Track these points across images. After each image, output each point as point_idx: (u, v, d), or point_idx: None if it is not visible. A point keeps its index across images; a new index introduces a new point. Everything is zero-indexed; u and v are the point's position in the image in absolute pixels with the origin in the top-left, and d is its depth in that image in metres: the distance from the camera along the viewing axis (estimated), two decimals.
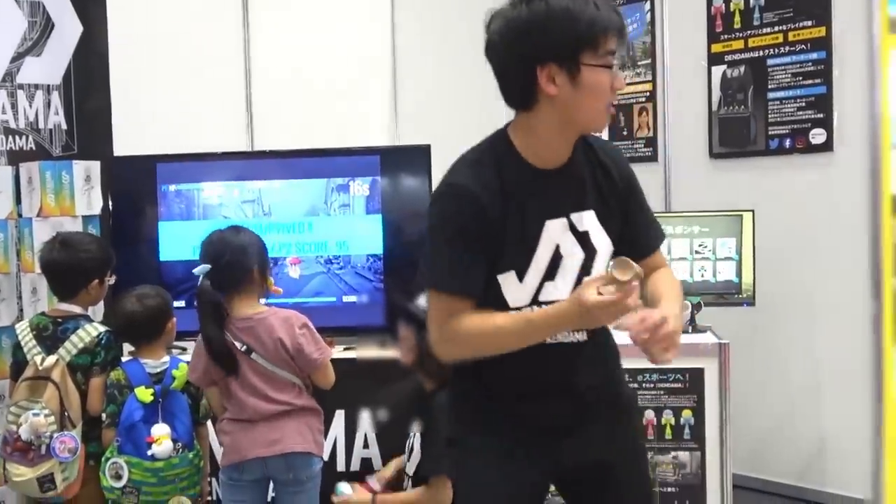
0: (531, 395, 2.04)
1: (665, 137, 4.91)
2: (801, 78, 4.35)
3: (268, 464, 2.98)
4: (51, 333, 3.25)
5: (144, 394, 3.02)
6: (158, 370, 3.10)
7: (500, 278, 1.96)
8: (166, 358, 3.14)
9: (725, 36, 4.62)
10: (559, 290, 1.97)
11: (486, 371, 2.03)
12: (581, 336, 2.02)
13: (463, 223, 1.92)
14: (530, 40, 1.86)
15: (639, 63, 4.99)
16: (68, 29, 4.79)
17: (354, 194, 4.11)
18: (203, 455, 3.18)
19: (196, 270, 2.99)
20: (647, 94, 4.97)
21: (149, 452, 2.94)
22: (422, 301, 2.89)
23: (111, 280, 3.42)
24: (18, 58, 4.59)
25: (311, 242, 4.11)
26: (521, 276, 1.96)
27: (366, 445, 3.88)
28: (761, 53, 4.48)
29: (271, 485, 3.18)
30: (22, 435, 3.01)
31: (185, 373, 3.09)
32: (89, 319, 3.32)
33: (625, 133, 5.04)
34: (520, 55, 1.88)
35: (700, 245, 4.10)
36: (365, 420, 3.89)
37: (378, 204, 4.10)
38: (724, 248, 4.08)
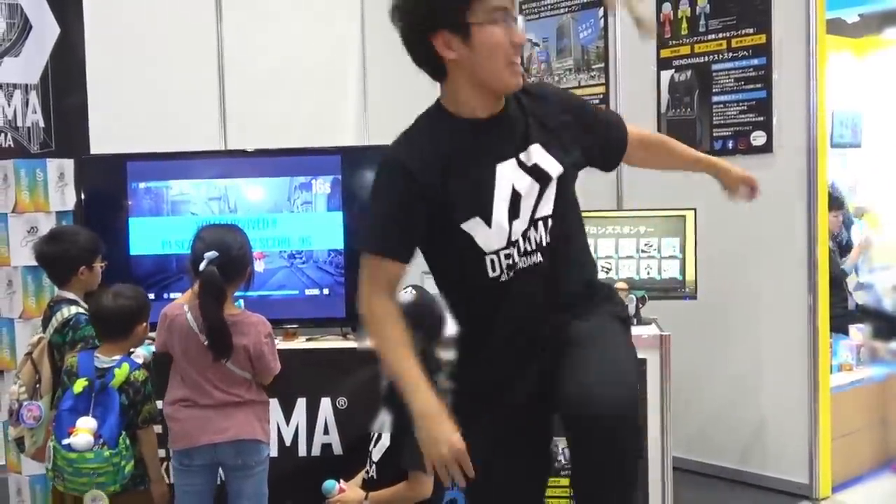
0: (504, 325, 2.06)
1: None
2: (743, 83, 4.38)
3: (217, 450, 3.00)
4: (45, 315, 3.39)
5: (78, 384, 2.98)
6: (106, 366, 3.03)
7: (466, 227, 1.98)
8: (117, 356, 3.07)
9: (673, 42, 4.64)
10: (523, 222, 2.00)
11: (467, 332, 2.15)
12: (537, 258, 2.02)
13: (392, 191, 1.97)
14: (418, 11, 1.93)
15: (593, 66, 5.00)
16: (46, 30, 4.77)
17: (317, 192, 4.12)
18: (143, 457, 3.08)
19: (207, 255, 2.95)
20: (601, 96, 4.98)
21: (64, 441, 2.88)
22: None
23: (102, 265, 3.44)
24: None
25: (275, 238, 4.12)
26: (487, 221, 1.98)
27: (326, 432, 3.89)
28: (706, 59, 4.51)
29: (220, 470, 3.21)
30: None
31: (126, 372, 3.01)
32: (75, 303, 3.34)
33: None
34: (413, 27, 1.95)
35: (646, 244, 4.14)
36: (325, 407, 3.90)
37: (339, 201, 4.12)
38: (669, 247, 4.12)
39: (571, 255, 2.10)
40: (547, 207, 2.02)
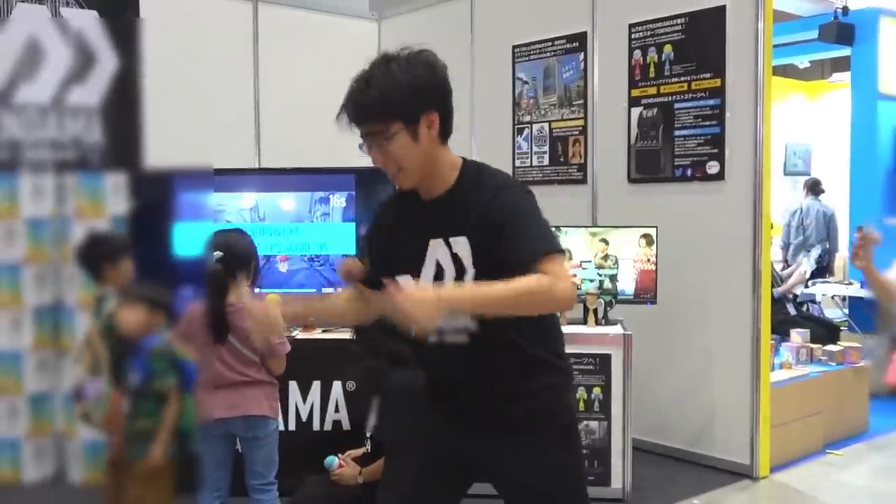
0: (437, 387, 2.09)
1: (593, 164, 4.94)
2: (700, 119, 4.41)
3: (230, 423, 3.03)
4: (94, 307, 3.38)
5: None
6: None
7: (399, 279, 1.92)
8: None
9: (642, 83, 4.66)
10: None
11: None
12: (462, 338, 1.95)
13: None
14: None
15: (574, 102, 5.04)
16: (107, 61, 4.84)
17: (334, 205, 4.19)
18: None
19: (214, 254, 3.01)
20: (580, 128, 5.01)
21: None
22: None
23: (126, 265, 3.48)
24: (66, 83, 4.64)
25: (297, 243, 4.19)
26: (416, 279, 1.96)
27: (336, 410, 3.96)
28: (670, 98, 4.53)
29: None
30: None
31: None
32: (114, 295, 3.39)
33: (561, 160, 5.10)
34: None
35: (615, 255, 4.20)
36: (336, 389, 3.97)
37: (353, 214, 4.19)
38: (634, 258, 4.18)
39: (497, 349, 1.96)
40: None
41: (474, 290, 1.82)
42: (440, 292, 1.72)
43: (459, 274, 1.93)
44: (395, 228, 2.04)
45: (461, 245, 1.93)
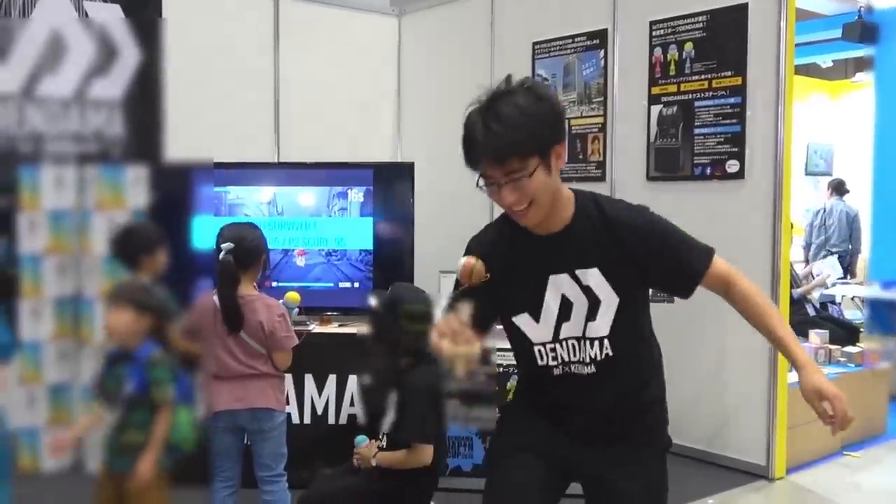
0: (550, 409, 2.07)
1: (612, 162, 4.92)
2: (720, 118, 4.37)
3: (236, 415, 3.03)
4: None
5: None
6: None
7: (516, 320, 1.97)
8: None
9: (662, 81, 4.63)
10: (573, 329, 1.94)
11: (525, 383, 2.14)
12: (590, 369, 1.97)
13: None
14: None
15: (593, 100, 5.02)
16: (130, 55, 4.87)
17: (351, 200, 4.20)
18: None
19: (223, 246, 3.02)
20: (599, 125, 4.99)
21: None
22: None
23: (162, 256, 3.51)
24: (88, 77, 4.68)
25: (315, 238, 4.20)
26: (536, 318, 1.95)
27: (352, 404, 3.96)
28: (690, 96, 4.50)
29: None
30: None
31: None
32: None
33: (580, 157, 5.08)
34: None
35: None
36: (352, 383, 3.97)
37: (370, 208, 4.19)
38: None
39: (625, 373, 1.98)
40: (602, 328, 1.92)
41: (802, 350, 1.91)
42: (824, 377, 1.85)
43: (593, 305, 1.91)
44: (508, 267, 1.93)
45: (593, 276, 1.90)
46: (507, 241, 1.95)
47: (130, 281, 3.01)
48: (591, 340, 1.94)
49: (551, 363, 1.98)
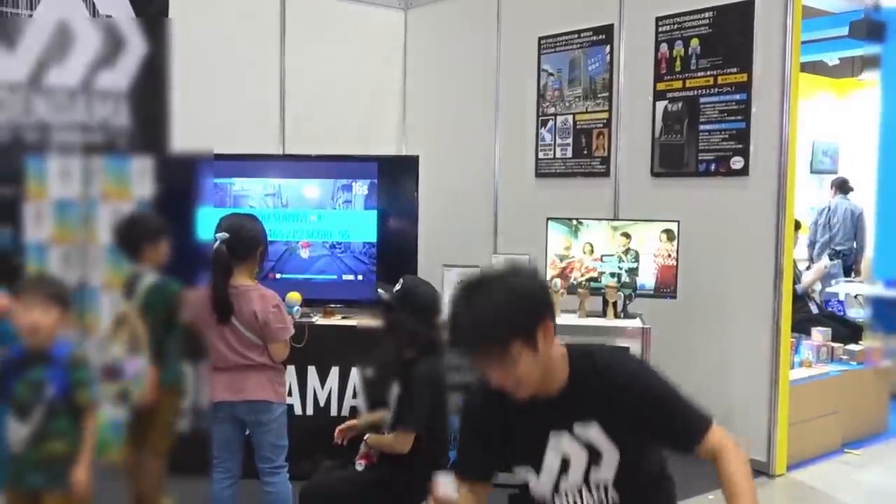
0: None
1: (616, 157, 4.92)
2: (726, 114, 4.37)
3: (235, 407, 3.03)
4: (128, 286, 3.39)
5: None
6: None
7: (518, 470, 1.99)
8: None
9: (668, 77, 4.63)
10: (573, 480, 1.94)
11: None
12: None
13: None
14: None
15: (599, 95, 5.02)
16: (136, 46, 4.87)
17: (356, 193, 4.20)
18: None
19: (218, 236, 3.01)
20: (604, 121, 4.98)
21: None
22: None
23: (164, 246, 3.51)
24: (95, 68, 4.67)
25: (319, 230, 4.21)
26: (537, 472, 1.96)
27: (354, 396, 3.97)
28: (695, 93, 4.49)
29: None
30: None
31: None
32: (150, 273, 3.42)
33: (585, 152, 5.07)
34: None
35: (636, 249, 4.18)
36: (354, 375, 3.98)
37: (374, 202, 4.20)
38: (655, 252, 4.16)
39: None
40: (607, 475, 1.92)
41: None
42: None
43: (594, 458, 1.91)
44: (505, 427, 1.95)
45: (593, 431, 1.90)
46: (505, 403, 1.91)
47: (44, 274, 2.80)
48: (597, 486, 1.94)
49: None
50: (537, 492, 1.98)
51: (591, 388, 1.89)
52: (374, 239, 4.17)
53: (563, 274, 4.24)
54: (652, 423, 1.87)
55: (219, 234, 3.02)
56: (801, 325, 5.23)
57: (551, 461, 1.94)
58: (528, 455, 1.95)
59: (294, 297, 3.88)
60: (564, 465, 1.93)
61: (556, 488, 1.96)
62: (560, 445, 1.92)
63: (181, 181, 4.26)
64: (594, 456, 1.91)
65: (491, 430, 1.97)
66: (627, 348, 3.91)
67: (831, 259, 7.95)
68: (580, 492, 1.95)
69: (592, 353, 1.94)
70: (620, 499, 1.94)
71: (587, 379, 1.89)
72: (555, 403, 1.90)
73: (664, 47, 4.65)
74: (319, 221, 4.20)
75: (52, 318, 2.38)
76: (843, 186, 8.44)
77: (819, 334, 5.14)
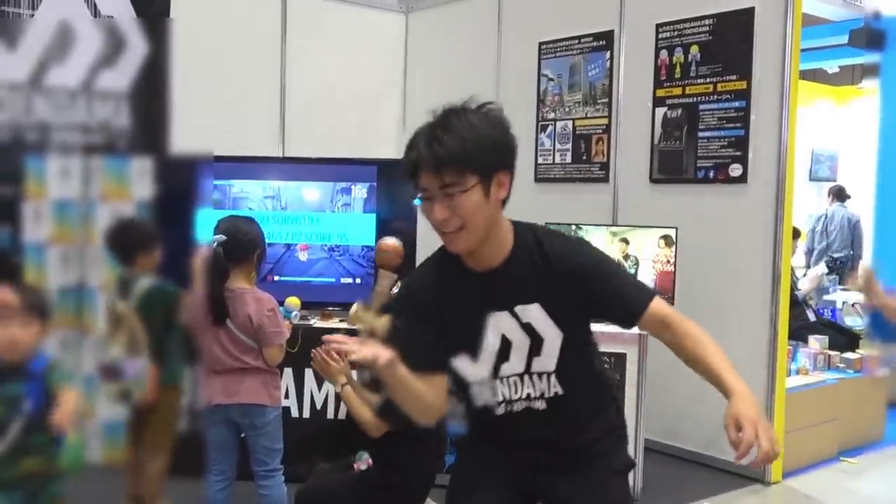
0: (501, 445, 2.02)
1: (616, 163, 4.92)
2: (725, 121, 4.38)
3: (228, 410, 3.02)
4: (122, 288, 3.40)
5: None
6: None
7: (455, 363, 1.90)
8: None
9: (667, 83, 4.64)
10: (514, 367, 1.89)
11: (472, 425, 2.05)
12: (540, 405, 1.93)
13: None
14: None
15: (598, 101, 5.03)
16: (137, 47, 4.87)
17: (355, 196, 4.21)
18: None
19: (214, 238, 2.99)
20: (604, 126, 4.99)
21: None
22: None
23: (157, 253, 3.51)
24: (95, 68, 4.66)
25: (317, 233, 4.22)
26: (474, 357, 1.89)
27: None
28: (695, 100, 4.50)
29: None
30: None
31: None
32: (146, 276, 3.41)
33: (584, 158, 5.08)
34: None
35: (634, 254, 4.18)
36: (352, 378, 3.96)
37: (373, 205, 4.20)
38: (653, 257, 4.16)
39: (577, 407, 1.95)
40: (549, 363, 1.89)
41: (736, 378, 1.76)
42: (752, 404, 1.68)
43: (535, 342, 1.87)
44: (443, 306, 1.86)
45: (533, 312, 1.85)
46: (444, 279, 1.88)
47: (23, 284, 2.62)
48: (539, 375, 1.90)
49: (497, 406, 1.93)
50: (476, 378, 1.90)
51: (534, 264, 1.83)
52: (372, 242, 4.17)
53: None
54: (595, 297, 1.83)
55: (215, 237, 3.01)
56: (799, 333, 5.24)
57: (491, 341, 1.87)
58: (467, 339, 1.87)
59: (293, 302, 3.88)
60: (506, 347, 1.87)
61: (496, 373, 1.90)
62: (500, 326, 1.86)
63: (181, 182, 4.27)
64: (536, 342, 1.86)
65: (430, 313, 1.85)
66: (623, 355, 3.93)
67: (828, 267, 7.97)
68: (521, 378, 1.90)
69: (538, 230, 1.90)
70: (563, 389, 1.91)
71: (530, 255, 1.84)
72: (495, 280, 1.84)
73: (664, 54, 4.65)
74: (318, 224, 4.20)
75: (31, 334, 2.25)
76: (840, 194, 8.47)
77: (816, 342, 5.14)
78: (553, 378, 1.90)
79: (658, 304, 1.84)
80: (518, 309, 1.85)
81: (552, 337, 1.87)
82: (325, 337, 1.76)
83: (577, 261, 1.84)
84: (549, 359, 1.89)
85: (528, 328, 1.86)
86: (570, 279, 1.82)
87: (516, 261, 1.85)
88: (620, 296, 1.85)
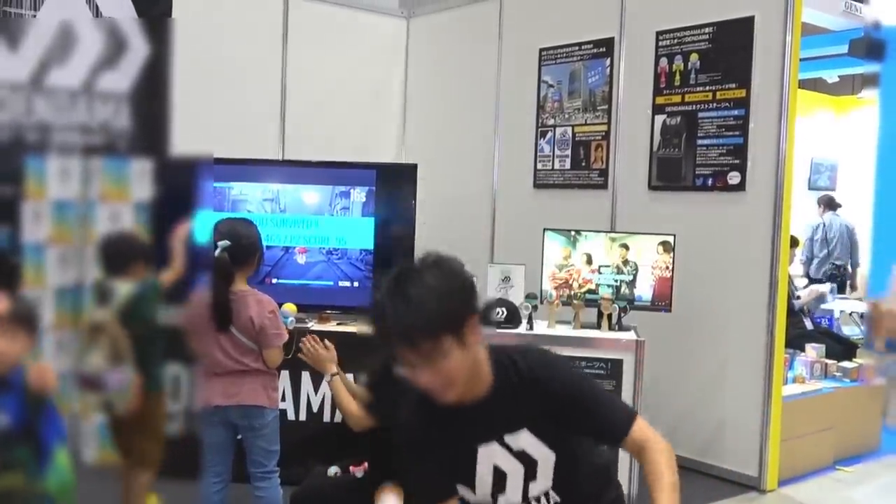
0: None
1: (615, 170, 4.93)
2: (723, 129, 4.39)
3: (227, 411, 3.03)
4: (102, 296, 3.37)
5: None
6: None
7: (458, 487, 1.92)
8: None
9: (667, 91, 4.65)
10: (511, 498, 1.90)
11: None
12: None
13: None
14: None
15: (598, 107, 5.04)
16: (138, 49, 4.88)
17: (353, 200, 4.22)
18: None
19: (220, 243, 3.01)
20: (603, 133, 5.01)
21: None
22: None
23: (148, 266, 3.49)
24: (96, 69, 4.67)
25: (316, 236, 4.22)
26: (472, 489, 1.90)
27: None
28: (694, 107, 4.52)
29: None
30: None
31: None
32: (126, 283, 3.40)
33: (583, 164, 5.09)
34: None
35: (632, 261, 4.18)
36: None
37: (372, 209, 4.21)
38: (651, 265, 4.16)
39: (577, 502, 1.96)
40: (545, 483, 1.89)
41: None
42: None
43: (530, 468, 1.87)
44: (437, 443, 1.87)
45: (524, 438, 1.85)
46: (429, 416, 1.86)
47: (16, 297, 2.49)
48: (537, 498, 1.91)
49: None
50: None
51: (515, 390, 1.83)
52: (370, 246, 4.18)
53: (563, 284, 4.23)
54: (579, 422, 1.85)
55: (220, 243, 3.02)
56: (796, 341, 5.25)
57: (484, 473, 1.88)
58: (461, 471, 1.88)
59: (290, 308, 3.88)
60: (500, 479, 1.88)
61: (494, 502, 1.92)
62: (492, 458, 1.87)
63: (180, 184, 4.28)
64: (530, 469, 1.87)
65: (431, 445, 1.88)
66: (620, 361, 3.93)
67: (830, 274, 7.98)
68: None
69: (514, 354, 1.88)
70: (561, 497, 1.91)
71: (510, 382, 1.83)
72: (480, 412, 1.83)
73: (664, 61, 4.67)
74: (317, 227, 4.21)
75: (17, 347, 2.16)
76: (830, 203, 8.53)
77: (813, 350, 5.15)
78: (551, 492, 1.92)
79: (639, 430, 1.84)
80: (508, 438, 1.85)
81: (545, 457, 1.87)
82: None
83: (560, 390, 1.84)
84: (545, 479, 1.90)
85: (521, 455, 1.86)
86: (555, 407, 1.83)
87: (497, 389, 1.84)
88: (603, 423, 1.87)
